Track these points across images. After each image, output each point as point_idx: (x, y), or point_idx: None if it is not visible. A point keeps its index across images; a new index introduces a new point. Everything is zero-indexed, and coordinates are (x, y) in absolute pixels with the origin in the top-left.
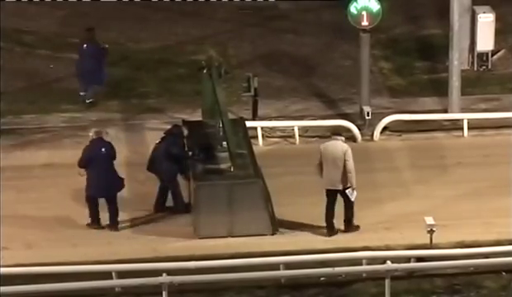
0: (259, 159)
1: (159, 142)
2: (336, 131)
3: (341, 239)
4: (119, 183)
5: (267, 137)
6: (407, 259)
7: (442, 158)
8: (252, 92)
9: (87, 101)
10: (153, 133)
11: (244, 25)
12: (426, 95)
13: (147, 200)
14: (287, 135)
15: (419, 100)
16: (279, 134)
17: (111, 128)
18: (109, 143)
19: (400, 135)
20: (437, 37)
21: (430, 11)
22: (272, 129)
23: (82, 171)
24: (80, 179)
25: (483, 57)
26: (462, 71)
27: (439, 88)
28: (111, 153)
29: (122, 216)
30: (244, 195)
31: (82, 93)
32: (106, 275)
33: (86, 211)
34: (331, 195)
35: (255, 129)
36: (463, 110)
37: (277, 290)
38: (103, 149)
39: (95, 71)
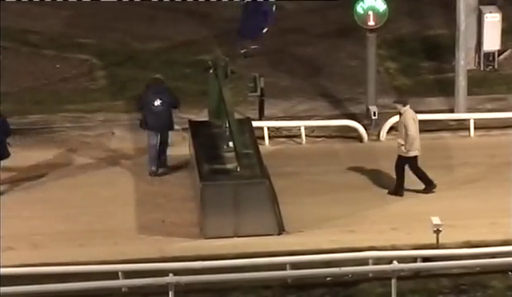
0: (266, 159)
1: (144, 96)
2: (402, 100)
3: (347, 239)
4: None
5: (274, 137)
6: (413, 259)
7: (448, 158)
8: (258, 92)
9: (242, 51)
10: None
11: None
12: (432, 95)
13: (155, 200)
14: (294, 135)
15: (426, 100)
16: (285, 134)
17: (117, 128)
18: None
19: None
20: (443, 37)
21: (436, 11)
22: (279, 129)
23: None
24: (86, 179)
25: (489, 57)
26: (469, 71)
27: (446, 88)
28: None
29: (131, 218)
30: (250, 195)
31: (242, 51)
32: (113, 275)
33: (91, 211)
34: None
35: (261, 129)
36: (469, 110)
37: (283, 290)
38: None
39: (250, 26)
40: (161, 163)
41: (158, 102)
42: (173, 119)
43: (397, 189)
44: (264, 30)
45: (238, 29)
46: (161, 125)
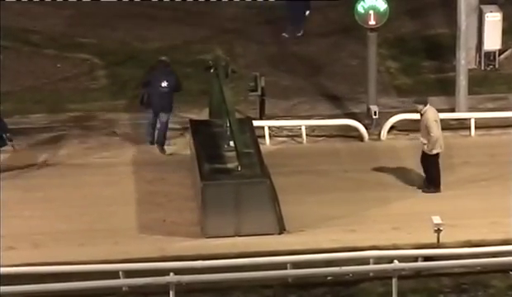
0: (266, 159)
1: (150, 76)
2: (422, 100)
3: (348, 239)
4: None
5: (275, 136)
6: (414, 258)
7: (449, 158)
8: (259, 92)
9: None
10: None
11: (252, 24)
12: (433, 94)
13: (155, 199)
14: (294, 135)
15: (427, 99)
16: (286, 133)
17: (118, 127)
18: None
19: (407, 134)
20: (444, 36)
21: (437, 11)
22: (280, 128)
23: None
24: (87, 179)
25: (490, 56)
26: (470, 70)
27: (446, 88)
28: None
29: (132, 217)
30: (251, 194)
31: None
32: (114, 274)
33: (92, 211)
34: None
35: (262, 128)
36: (470, 109)
37: (284, 290)
38: None
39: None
40: (160, 147)
41: (165, 84)
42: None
43: (435, 185)
44: (307, 13)
45: (288, 18)
46: (163, 106)
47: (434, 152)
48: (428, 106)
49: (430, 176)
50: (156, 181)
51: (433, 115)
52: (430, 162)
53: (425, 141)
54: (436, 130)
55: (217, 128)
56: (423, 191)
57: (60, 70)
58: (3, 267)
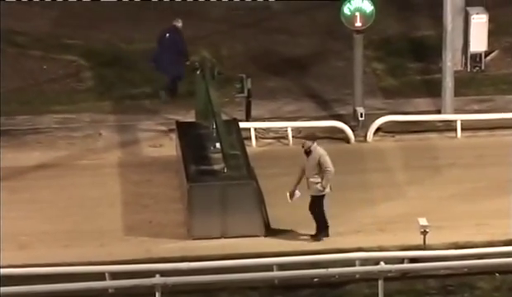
0: (252, 160)
1: None
2: (311, 138)
3: (334, 240)
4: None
5: (261, 138)
6: (400, 260)
7: (435, 159)
8: (245, 93)
9: None
10: (146, 134)
11: (238, 25)
12: (419, 96)
13: (142, 201)
14: (281, 136)
15: (413, 101)
16: (272, 135)
17: (104, 129)
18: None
19: (393, 136)
20: (430, 38)
21: (423, 12)
22: (266, 130)
23: None
24: (73, 180)
25: (476, 58)
26: (456, 72)
27: (433, 89)
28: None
29: (118, 219)
30: (237, 196)
31: None
32: (100, 276)
33: (78, 212)
34: None
35: (248, 130)
36: (456, 111)
37: (270, 291)
38: (167, 35)
39: None
40: None
41: None
42: None
43: (323, 230)
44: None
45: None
46: None
47: (327, 190)
48: (315, 143)
49: (322, 219)
50: (142, 182)
51: (322, 150)
52: (319, 203)
53: (318, 180)
54: (331, 165)
55: (203, 129)
56: (312, 237)
57: (46, 71)
58: None
